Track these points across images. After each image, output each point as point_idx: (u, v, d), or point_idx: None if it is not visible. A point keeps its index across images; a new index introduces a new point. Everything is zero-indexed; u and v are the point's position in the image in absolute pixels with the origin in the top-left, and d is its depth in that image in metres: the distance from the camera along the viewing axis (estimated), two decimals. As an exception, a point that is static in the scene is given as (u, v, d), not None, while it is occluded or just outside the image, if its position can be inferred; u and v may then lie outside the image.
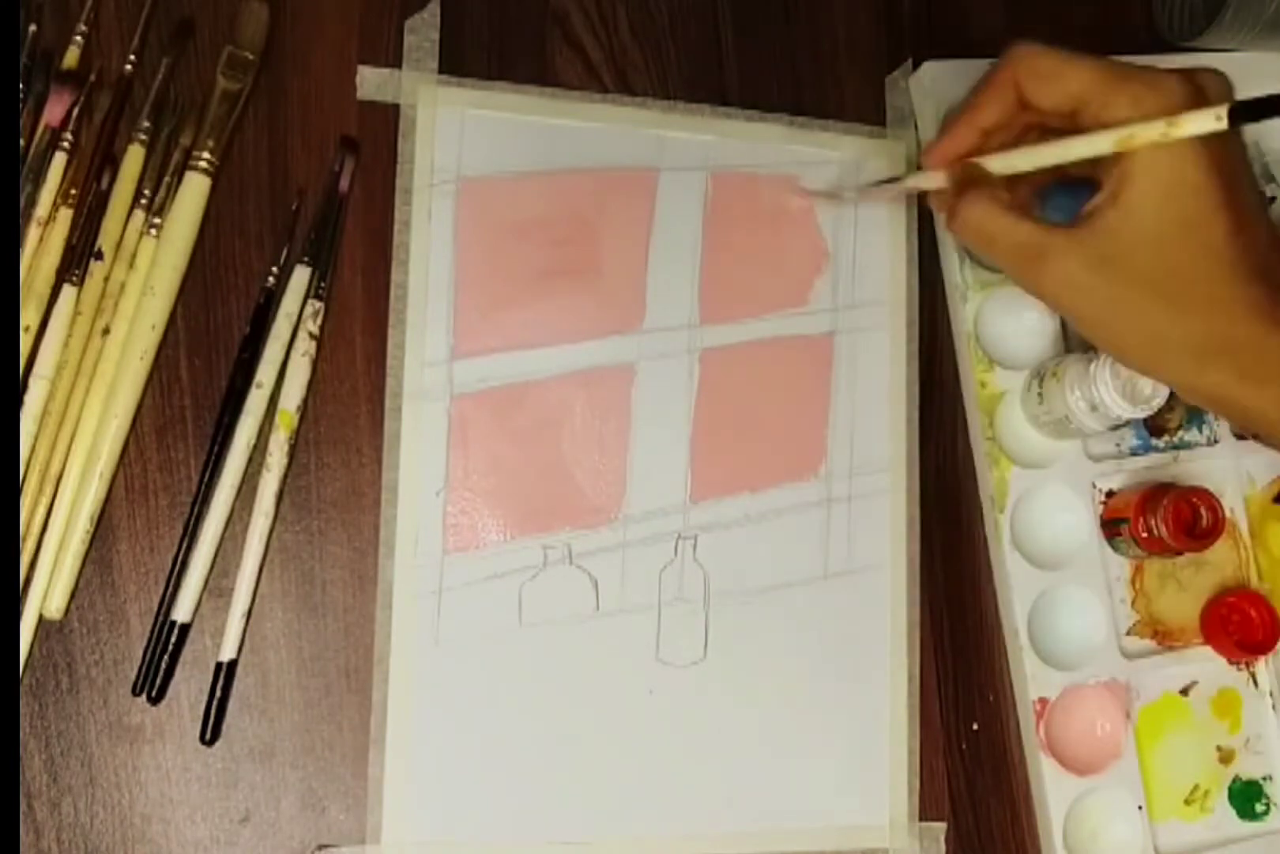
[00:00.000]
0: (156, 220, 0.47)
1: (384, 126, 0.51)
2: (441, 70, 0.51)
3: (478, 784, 0.48)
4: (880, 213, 0.55)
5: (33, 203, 0.46)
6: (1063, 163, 0.40)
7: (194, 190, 0.48)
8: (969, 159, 0.43)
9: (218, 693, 0.46)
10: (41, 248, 0.46)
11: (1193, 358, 0.38)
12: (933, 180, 0.46)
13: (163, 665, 0.46)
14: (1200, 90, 0.38)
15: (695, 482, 0.52)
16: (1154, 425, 0.57)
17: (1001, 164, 0.43)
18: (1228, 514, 0.55)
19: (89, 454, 0.46)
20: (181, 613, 0.46)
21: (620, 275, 0.52)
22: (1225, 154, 0.37)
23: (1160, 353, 0.39)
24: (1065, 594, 0.54)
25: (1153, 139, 0.37)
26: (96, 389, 0.46)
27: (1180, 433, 0.57)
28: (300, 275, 0.48)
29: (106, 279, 0.47)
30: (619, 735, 0.50)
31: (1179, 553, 0.53)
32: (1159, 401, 0.50)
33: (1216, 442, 0.57)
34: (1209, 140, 0.37)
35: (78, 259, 0.46)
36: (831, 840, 0.51)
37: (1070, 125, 0.40)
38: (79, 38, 0.48)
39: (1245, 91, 0.60)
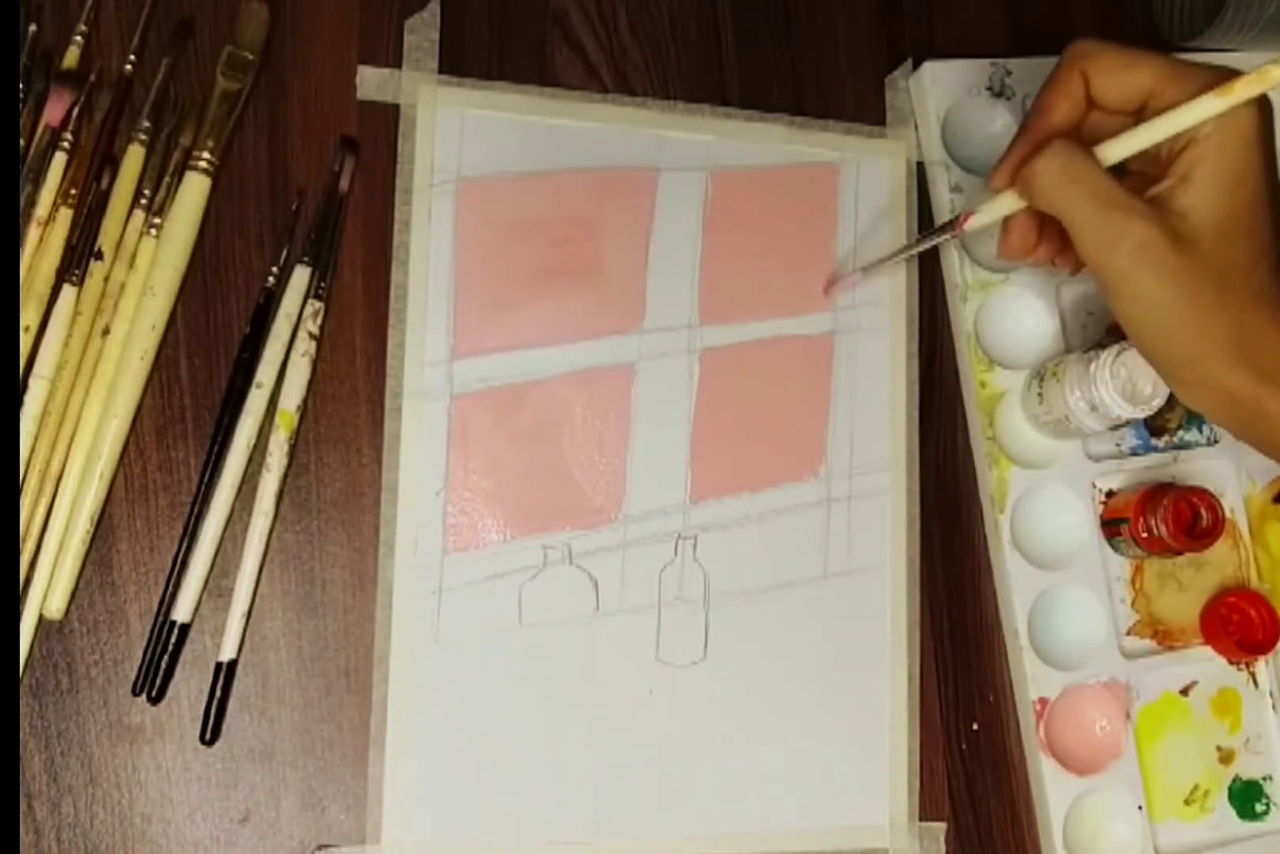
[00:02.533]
0: (156, 220, 0.47)
1: (384, 126, 0.51)
2: (441, 70, 0.51)
3: (478, 784, 0.48)
4: (881, 213, 0.55)
5: (33, 203, 0.46)
6: (1178, 132, 0.39)
7: (194, 190, 0.48)
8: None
9: (218, 693, 0.46)
10: (41, 248, 0.46)
11: (1230, 356, 0.38)
12: (1006, 204, 0.43)
13: (163, 665, 0.46)
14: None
15: (695, 482, 0.52)
16: (1154, 425, 0.57)
17: (1118, 148, 0.40)
18: (1228, 514, 0.55)
19: (89, 454, 0.46)
20: (181, 613, 0.46)
21: (620, 275, 0.52)
22: (1271, 147, 0.38)
23: (1201, 345, 0.38)
24: (1065, 594, 0.54)
25: (1252, 83, 0.37)
26: (96, 389, 0.46)
27: (1180, 433, 0.57)
28: (300, 275, 0.49)
29: (106, 279, 0.47)
30: (619, 735, 0.50)
31: (1179, 553, 0.53)
32: (1159, 402, 0.50)
33: (1216, 442, 0.57)
34: (1265, 131, 0.38)
35: (78, 259, 0.46)
36: (831, 840, 0.51)
37: (1133, 122, 0.40)
38: (79, 38, 0.48)
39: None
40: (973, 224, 0.45)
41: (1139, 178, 0.41)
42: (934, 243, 0.48)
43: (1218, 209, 0.37)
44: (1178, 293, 0.38)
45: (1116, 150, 0.40)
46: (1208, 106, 0.38)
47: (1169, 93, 0.39)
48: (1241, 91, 0.37)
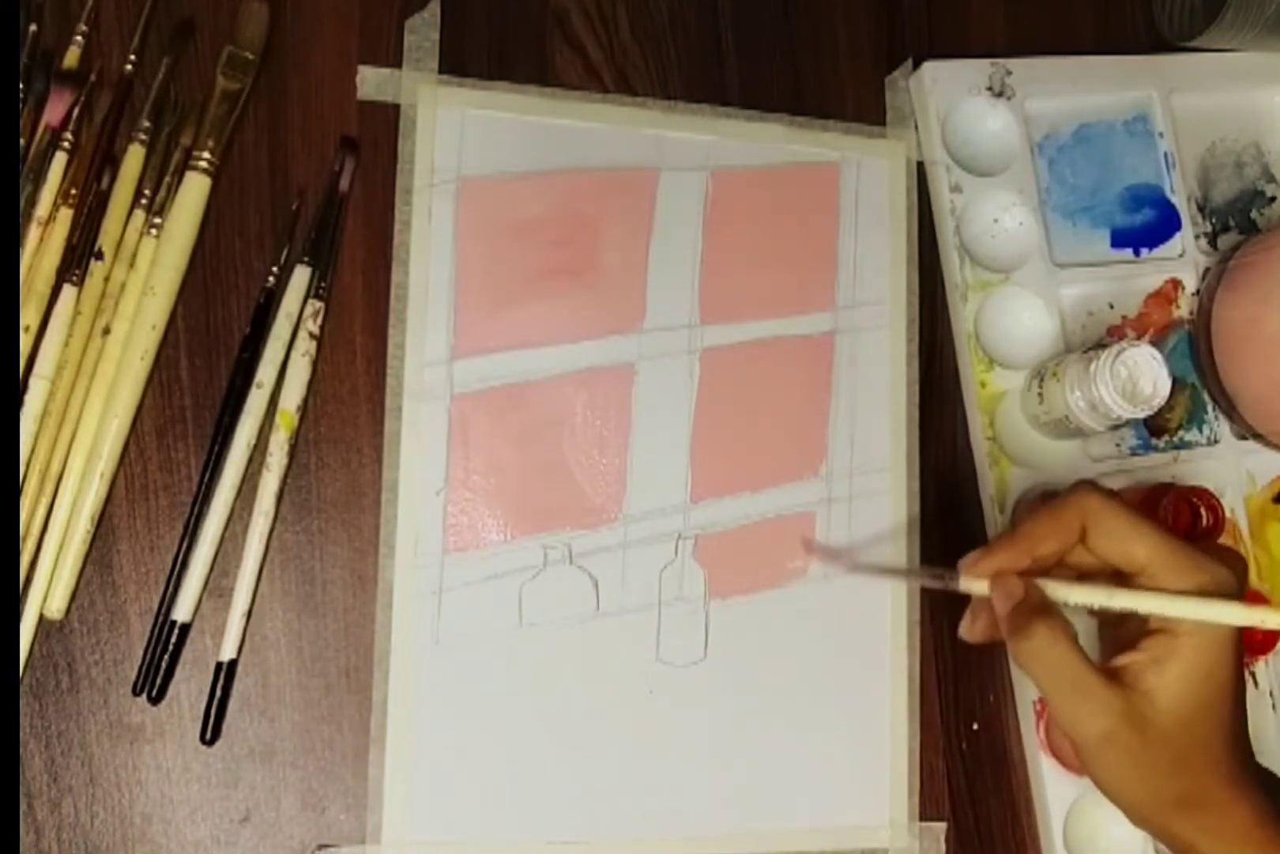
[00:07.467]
0: (157, 220, 0.47)
1: (384, 126, 0.51)
2: (441, 70, 0.51)
3: (478, 784, 0.48)
4: (881, 213, 0.55)
5: (33, 203, 0.46)
6: (1127, 611, 0.41)
7: (194, 190, 0.48)
8: (1031, 578, 0.42)
9: (218, 693, 0.46)
10: (41, 248, 0.46)
11: (1175, 809, 0.41)
12: (979, 587, 0.44)
13: (163, 665, 0.46)
14: (1241, 580, 0.41)
15: (695, 482, 0.52)
16: (1154, 425, 0.57)
17: (1065, 594, 0.42)
18: (1228, 514, 0.55)
19: (89, 454, 0.46)
20: (182, 613, 0.46)
21: (620, 275, 0.52)
22: (1241, 643, 0.42)
23: (1151, 801, 0.41)
24: (1065, 594, 0.54)
25: (1233, 622, 0.40)
26: (97, 389, 0.46)
27: (1180, 433, 0.57)
28: (300, 275, 0.49)
29: (107, 279, 0.47)
30: (619, 735, 0.50)
31: (1179, 553, 0.53)
32: (1159, 401, 0.50)
33: (1216, 442, 0.57)
34: (1239, 632, 0.41)
35: (78, 259, 0.46)
36: (831, 840, 0.51)
37: (1113, 576, 0.42)
38: (79, 38, 0.48)
39: (1243, 91, 0.60)
40: (962, 588, 0.45)
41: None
42: (925, 584, 0.48)
43: (1185, 698, 0.40)
44: (1137, 770, 0.41)
45: (1064, 595, 0.42)
46: (1230, 615, 0.40)
47: (1161, 577, 0.41)
48: (1271, 621, 0.40)
